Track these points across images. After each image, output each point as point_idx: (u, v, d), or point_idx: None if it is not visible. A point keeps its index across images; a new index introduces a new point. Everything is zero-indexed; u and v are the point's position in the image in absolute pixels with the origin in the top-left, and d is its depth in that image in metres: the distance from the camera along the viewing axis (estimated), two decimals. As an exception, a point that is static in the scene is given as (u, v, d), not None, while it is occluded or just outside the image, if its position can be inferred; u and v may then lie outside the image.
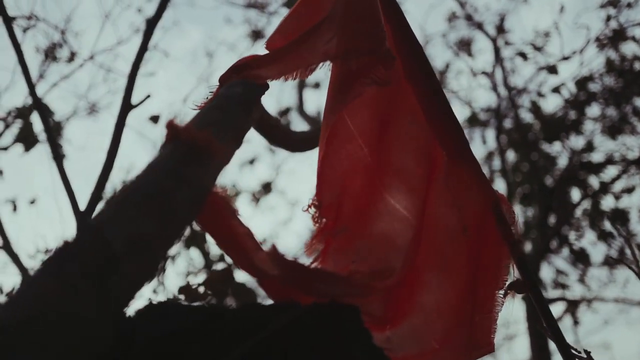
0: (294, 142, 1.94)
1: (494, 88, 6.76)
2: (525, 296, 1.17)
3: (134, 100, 2.29)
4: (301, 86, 6.34)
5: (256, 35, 6.75)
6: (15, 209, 4.77)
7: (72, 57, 4.47)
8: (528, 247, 6.22)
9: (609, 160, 5.72)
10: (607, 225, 5.62)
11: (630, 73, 5.52)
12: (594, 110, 5.95)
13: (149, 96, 2.22)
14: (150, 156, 0.73)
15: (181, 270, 5.87)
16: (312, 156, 1.20)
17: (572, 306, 6.18)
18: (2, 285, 3.44)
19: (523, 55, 6.24)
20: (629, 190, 5.66)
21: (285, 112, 6.34)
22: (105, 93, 5.88)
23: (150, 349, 0.65)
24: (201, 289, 1.75)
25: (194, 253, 5.60)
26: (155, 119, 4.44)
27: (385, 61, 1.03)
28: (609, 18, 5.29)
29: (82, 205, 2.12)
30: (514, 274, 1.16)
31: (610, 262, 5.75)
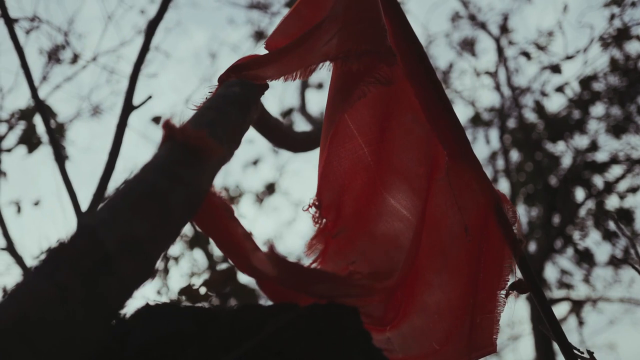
0: (295, 143, 1.93)
1: (498, 88, 6.74)
2: (529, 296, 1.17)
3: (136, 101, 2.30)
4: (304, 86, 6.33)
5: (259, 35, 6.76)
6: (19, 210, 4.78)
7: (75, 58, 4.48)
8: (532, 247, 6.20)
9: (614, 160, 5.69)
10: (612, 225, 5.59)
11: (634, 72, 5.49)
12: (598, 109, 5.93)
13: (150, 97, 2.22)
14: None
15: (185, 271, 5.89)
16: (315, 156, 1.20)
17: (577, 306, 6.17)
18: (6, 286, 3.45)
19: (526, 55, 6.23)
20: (634, 189, 5.64)
21: (288, 112, 6.34)
22: (109, 94, 5.89)
23: (143, 352, 0.64)
24: (202, 290, 1.74)
25: (198, 254, 5.61)
26: (158, 120, 4.45)
27: (387, 59, 1.02)
28: (612, 17, 5.27)
29: (85, 207, 2.12)
30: (515, 274, 1.15)
31: (615, 262, 5.73)
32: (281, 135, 1.63)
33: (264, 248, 0.82)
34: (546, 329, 1.14)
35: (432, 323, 1.09)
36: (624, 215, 5.54)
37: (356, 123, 1.14)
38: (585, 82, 5.74)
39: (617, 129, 5.69)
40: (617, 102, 5.66)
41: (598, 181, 5.79)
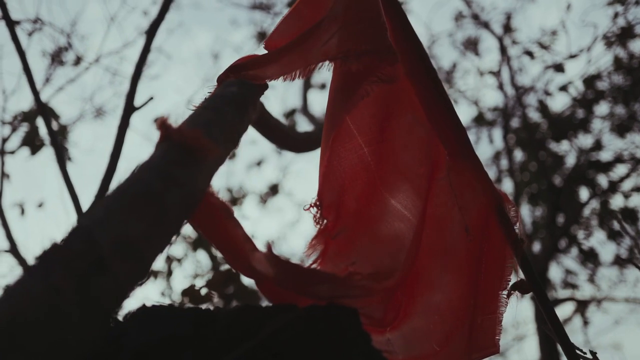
0: (296, 143, 1.93)
1: (501, 87, 6.73)
2: (533, 296, 1.16)
3: (138, 102, 2.29)
4: (306, 87, 6.33)
5: (262, 36, 6.76)
6: (23, 212, 4.79)
7: (78, 60, 4.48)
8: (537, 246, 6.18)
9: (618, 159, 5.67)
10: (617, 225, 5.57)
11: (638, 71, 5.47)
12: (602, 108, 5.91)
13: (152, 98, 2.21)
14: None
15: (189, 272, 5.89)
16: (318, 157, 1.19)
17: (582, 306, 6.14)
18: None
19: (530, 54, 6.21)
20: (638, 189, 5.61)
21: (290, 113, 6.34)
22: (112, 96, 5.90)
23: (139, 354, 0.64)
24: (204, 291, 1.74)
25: (201, 255, 5.61)
26: (160, 121, 4.44)
27: (388, 58, 1.02)
28: (616, 15, 5.24)
29: (87, 209, 2.12)
30: (517, 274, 1.14)
31: (619, 262, 5.71)
32: (282, 136, 1.62)
33: (262, 248, 0.81)
34: (548, 329, 1.13)
35: (433, 324, 1.08)
36: (629, 215, 5.51)
37: (356, 123, 1.13)
38: (589, 81, 5.71)
39: (621, 128, 5.66)
40: (621, 101, 5.64)
41: (602, 180, 5.77)
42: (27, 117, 3.78)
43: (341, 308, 0.81)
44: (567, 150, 6.14)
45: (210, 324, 0.70)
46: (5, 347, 0.46)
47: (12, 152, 3.93)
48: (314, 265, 1.03)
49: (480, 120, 6.89)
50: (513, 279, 1.15)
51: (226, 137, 0.80)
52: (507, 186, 6.68)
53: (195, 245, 5.48)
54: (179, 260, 5.47)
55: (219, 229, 0.78)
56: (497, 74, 6.80)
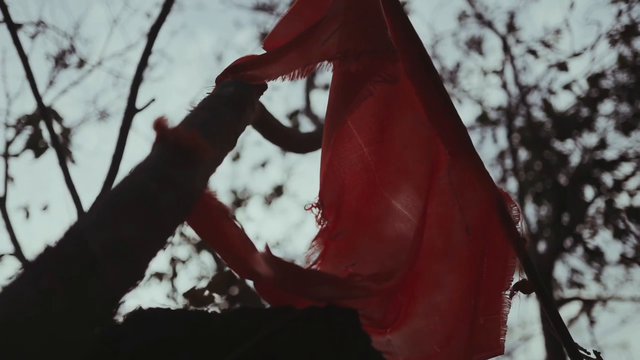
0: (297, 143, 1.92)
1: (505, 86, 6.70)
2: (536, 296, 1.15)
3: (141, 104, 2.29)
4: (309, 87, 6.32)
5: (265, 37, 6.74)
6: (27, 215, 4.80)
7: (81, 63, 4.49)
8: (542, 246, 6.15)
9: (623, 158, 5.64)
10: (622, 223, 5.54)
11: (643, 68, 5.44)
12: (606, 107, 5.88)
13: (153, 100, 2.21)
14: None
15: (193, 274, 5.89)
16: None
17: (588, 306, 6.11)
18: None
19: (534, 53, 6.19)
20: (644, 187, 5.58)
21: (293, 114, 6.33)
22: (116, 98, 5.91)
23: (135, 357, 0.63)
24: (206, 293, 1.73)
25: (205, 257, 5.61)
26: (163, 123, 4.44)
27: (388, 57, 1.01)
28: (620, 13, 5.22)
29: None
30: (520, 273, 1.13)
31: (625, 261, 5.68)
32: (283, 137, 1.62)
33: (260, 249, 0.81)
34: (551, 329, 1.12)
35: (433, 325, 1.07)
36: (634, 214, 5.48)
37: (356, 122, 1.12)
38: (593, 79, 5.68)
39: (626, 127, 5.63)
40: (625, 99, 5.61)
41: (607, 179, 5.74)
42: (31, 120, 3.79)
43: (341, 309, 0.81)
44: (572, 149, 6.12)
45: (206, 327, 0.70)
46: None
47: (16, 155, 3.94)
48: (313, 266, 1.02)
49: (484, 119, 6.87)
50: (516, 279, 1.14)
51: (223, 137, 0.79)
52: (512, 185, 6.67)
53: (200, 247, 5.48)
54: (183, 262, 5.47)
55: (216, 229, 0.77)
56: (500, 73, 6.78)
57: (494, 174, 6.87)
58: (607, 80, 5.70)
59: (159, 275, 5.12)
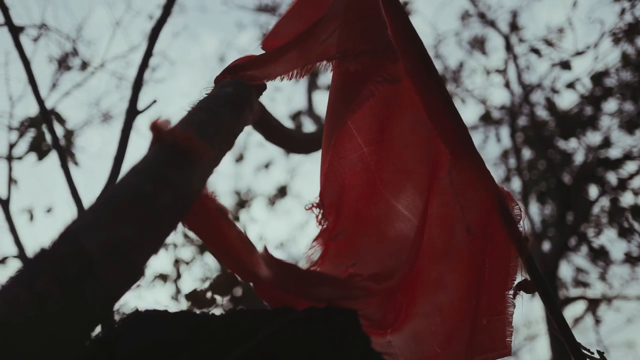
0: (300, 144, 1.92)
1: (508, 85, 6.69)
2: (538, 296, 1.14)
3: (144, 106, 2.29)
4: (311, 88, 6.32)
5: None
6: (31, 218, 4.81)
7: (84, 65, 4.50)
8: (546, 245, 6.13)
9: (627, 156, 5.61)
10: (627, 222, 5.52)
11: (646, 66, 5.42)
12: (610, 105, 5.86)
13: (155, 101, 2.21)
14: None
15: (197, 276, 5.89)
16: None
17: (593, 305, 6.09)
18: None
19: (537, 52, 6.17)
20: (649, 185, 5.56)
21: (296, 115, 6.33)
22: (119, 100, 5.93)
23: (132, 358, 0.63)
24: (209, 295, 1.73)
25: (209, 258, 5.61)
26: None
27: (388, 57, 1.00)
28: (623, 11, 5.20)
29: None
30: (522, 273, 1.12)
31: (631, 260, 5.65)
32: (284, 137, 1.61)
33: (259, 250, 0.80)
34: (554, 329, 1.11)
35: (434, 325, 1.07)
36: (639, 212, 5.45)
37: (356, 122, 1.12)
38: (597, 78, 5.67)
39: (630, 125, 5.61)
40: (629, 97, 5.59)
41: (612, 178, 5.72)
42: (34, 122, 3.79)
43: (341, 310, 0.80)
44: (576, 147, 6.10)
45: (205, 329, 0.69)
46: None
47: (20, 158, 3.95)
48: (313, 267, 1.02)
49: (487, 119, 6.85)
50: (519, 279, 1.13)
51: (221, 138, 0.79)
52: (516, 185, 6.65)
53: (203, 248, 5.48)
54: (187, 263, 5.47)
55: (215, 230, 0.77)
56: (503, 72, 6.77)
57: (498, 173, 6.86)
58: (611, 78, 5.68)
59: (163, 277, 5.12)
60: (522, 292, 1.11)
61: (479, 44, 7.16)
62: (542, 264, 5.62)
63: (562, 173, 6.07)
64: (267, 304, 0.86)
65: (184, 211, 0.68)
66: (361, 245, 1.05)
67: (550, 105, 6.22)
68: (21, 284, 0.51)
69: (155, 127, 0.69)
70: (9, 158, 3.95)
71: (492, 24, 6.85)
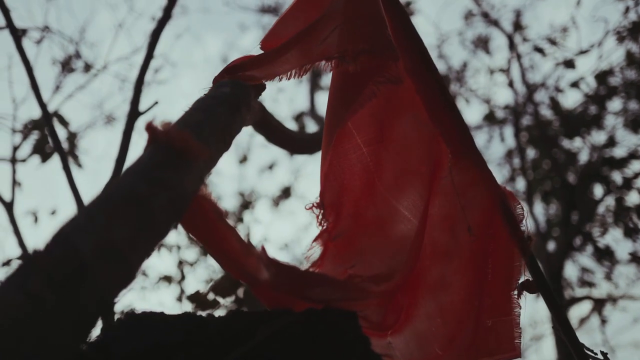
0: (301, 144, 1.91)
1: (512, 85, 6.67)
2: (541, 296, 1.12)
3: (146, 108, 2.29)
4: (313, 89, 6.32)
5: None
6: (36, 220, 4.81)
7: (88, 67, 4.51)
8: (551, 245, 6.11)
9: (632, 155, 5.59)
10: (632, 222, 5.49)
11: (651, 65, 5.39)
12: (615, 104, 5.83)
13: (156, 103, 2.21)
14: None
15: (201, 277, 5.89)
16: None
17: (599, 305, 6.06)
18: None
19: (540, 51, 6.15)
20: (654, 185, 5.53)
21: (299, 116, 6.33)
22: (122, 102, 5.94)
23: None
24: (211, 296, 1.73)
25: (213, 260, 5.61)
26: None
27: (389, 56, 1.00)
28: (627, 10, 5.17)
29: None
30: (525, 273, 1.11)
31: (637, 259, 5.62)
32: (285, 138, 1.61)
33: (256, 251, 0.79)
34: (557, 330, 1.10)
35: (435, 327, 1.05)
36: (645, 211, 5.43)
37: (355, 122, 1.11)
38: (601, 76, 5.64)
39: (635, 124, 5.58)
40: (634, 96, 5.56)
41: (617, 177, 5.69)
42: (37, 125, 3.80)
43: (340, 311, 0.79)
44: (580, 147, 6.07)
45: (201, 331, 0.69)
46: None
47: (24, 160, 3.96)
48: (312, 268, 1.01)
49: (491, 118, 6.83)
50: (522, 279, 1.11)
51: (218, 138, 0.78)
52: (520, 184, 6.62)
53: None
54: (191, 265, 5.47)
55: (211, 232, 0.76)
56: (507, 71, 6.75)
57: (502, 173, 6.84)
58: (615, 77, 5.65)
59: (167, 278, 5.12)
60: (526, 293, 1.10)
61: (482, 44, 7.15)
62: (547, 264, 5.60)
63: (566, 172, 6.04)
64: (266, 304, 0.85)
65: (180, 212, 0.67)
66: (361, 246, 1.04)
67: (555, 105, 6.19)
68: (13, 286, 0.50)
69: (151, 128, 0.68)
70: (13, 160, 3.95)
71: (495, 23, 6.83)
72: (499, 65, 7.08)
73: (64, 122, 3.71)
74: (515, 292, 1.09)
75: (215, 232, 0.77)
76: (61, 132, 3.79)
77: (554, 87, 6.16)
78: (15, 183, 3.95)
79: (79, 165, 3.82)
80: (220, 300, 1.68)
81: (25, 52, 2.25)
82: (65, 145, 3.85)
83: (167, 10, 2.29)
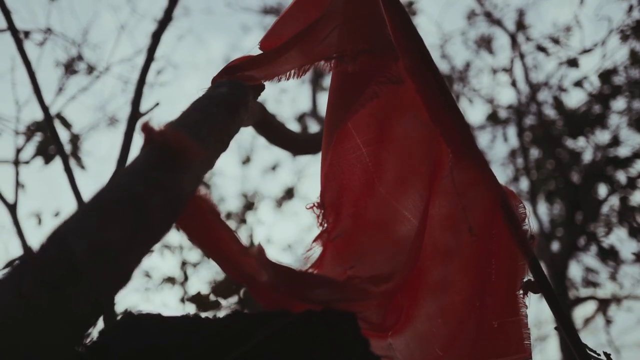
0: (302, 145, 1.90)
1: (515, 85, 6.65)
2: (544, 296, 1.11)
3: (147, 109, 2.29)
4: (315, 89, 6.31)
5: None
6: (40, 222, 4.82)
7: (90, 69, 4.52)
8: (555, 245, 6.09)
9: (636, 154, 5.56)
10: (637, 221, 5.46)
11: (655, 64, 5.37)
12: (619, 103, 5.81)
13: (157, 104, 2.21)
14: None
15: (205, 278, 5.89)
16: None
17: (604, 305, 6.03)
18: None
19: (544, 50, 6.13)
20: (659, 184, 5.51)
21: (301, 117, 6.33)
22: (125, 104, 5.95)
23: (123, 362, 0.62)
24: (212, 298, 1.72)
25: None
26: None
27: (389, 55, 0.99)
28: (631, 8, 5.15)
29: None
30: (527, 273, 1.10)
31: (640, 259, 5.60)
32: (286, 138, 1.60)
33: (254, 252, 0.79)
34: (560, 330, 1.09)
35: (436, 328, 1.05)
36: (649, 211, 5.40)
37: (354, 122, 1.10)
38: (605, 75, 5.62)
39: (639, 123, 5.56)
40: (638, 95, 5.54)
41: (621, 176, 5.67)
42: (40, 126, 3.81)
43: (338, 312, 0.79)
44: (584, 146, 6.05)
45: (199, 332, 0.68)
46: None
47: (27, 162, 3.96)
48: (311, 269, 1.00)
49: (494, 118, 6.82)
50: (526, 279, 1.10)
51: (215, 138, 0.78)
52: (524, 184, 6.61)
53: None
54: (194, 266, 5.47)
55: (208, 233, 0.76)
56: (510, 71, 6.73)
57: (506, 173, 6.82)
58: (619, 76, 5.63)
59: (171, 280, 5.12)
60: (529, 293, 1.09)
61: (485, 43, 7.14)
62: (551, 264, 5.58)
63: (570, 172, 6.02)
64: (264, 306, 0.84)
65: (176, 213, 0.67)
66: (360, 246, 1.04)
67: (558, 104, 6.18)
68: (6, 287, 0.50)
69: (147, 129, 0.68)
70: (16, 162, 3.96)
71: (498, 22, 6.82)
72: (502, 64, 7.06)
73: (66, 124, 3.71)
74: (521, 292, 1.08)
75: (212, 233, 0.76)
76: (64, 134, 3.79)
77: (558, 87, 6.15)
78: (18, 185, 3.95)
79: (82, 167, 3.82)
80: (222, 301, 1.67)
81: (27, 54, 2.25)
82: (68, 147, 3.86)
83: (167, 12, 2.29)
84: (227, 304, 1.82)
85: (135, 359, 0.64)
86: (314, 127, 6.33)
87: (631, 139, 5.71)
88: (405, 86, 1.13)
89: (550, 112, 6.45)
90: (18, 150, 4.02)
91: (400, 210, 1.07)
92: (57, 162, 3.73)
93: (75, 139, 3.88)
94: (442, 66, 7.16)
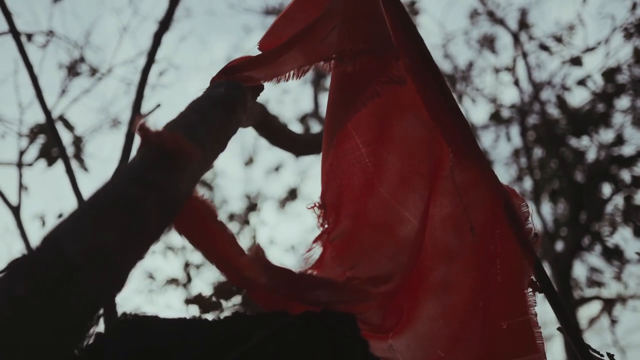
0: (303, 145, 1.90)
1: (518, 84, 6.63)
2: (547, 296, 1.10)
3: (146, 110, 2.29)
4: (317, 89, 6.31)
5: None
6: (44, 224, 4.82)
7: (93, 71, 4.52)
8: (559, 245, 6.07)
9: (641, 153, 5.54)
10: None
11: (659, 62, 5.35)
12: (623, 102, 5.78)
13: (159, 105, 2.21)
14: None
15: (209, 279, 5.89)
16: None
17: (609, 305, 6.01)
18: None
19: (547, 49, 6.11)
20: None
21: (303, 117, 6.32)
22: (127, 106, 5.95)
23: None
24: (213, 299, 1.72)
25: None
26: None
27: (388, 55, 0.98)
28: (634, 6, 5.13)
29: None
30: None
31: (646, 259, 5.57)
32: (287, 139, 1.60)
33: (252, 253, 0.78)
34: (562, 330, 1.08)
35: (437, 329, 1.04)
36: (654, 210, 5.38)
37: (354, 122, 1.10)
38: (609, 74, 5.60)
39: (643, 122, 5.54)
40: (642, 93, 5.52)
41: (625, 176, 5.64)
42: (43, 129, 3.81)
43: (338, 314, 0.78)
44: (588, 145, 6.03)
45: (196, 334, 0.68)
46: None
47: (30, 165, 3.97)
48: (310, 270, 1.00)
49: (497, 118, 6.80)
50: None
51: (212, 139, 0.77)
52: (527, 184, 6.58)
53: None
54: (197, 267, 5.47)
55: (205, 234, 0.75)
56: (513, 70, 6.71)
57: (509, 172, 6.80)
58: (623, 74, 5.61)
59: (175, 281, 5.12)
60: (535, 292, 1.07)
61: (488, 43, 7.12)
62: (555, 264, 5.56)
63: (574, 171, 6.00)
64: (262, 308, 0.84)
65: (172, 215, 0.66)
66: (360, 247, 1.03)
67: (562, 103, 6.16)
68: (0, 291, 0.49)
69: (143, 130, 0.67)
70: (19, 165, 3.97)
71: (501, 22, 6.80)
72: (505, 64, 7.04)
73: (69, 126, 3.72)
74: (530, 290, 1.06)
75: (210, 235, 0.76)
76: (67, 136, 3.79)
77: (561, 86, 6.12)
78: (21, 187, 3.96)
79: (85, 169, 3.82)
80: (223, 302, 1.67)
81: (29, 57, 2.25)
82: (71, 149, 3.86)
83: (168, 14, 2.28)
84: (229, 305, 1.82)
85: (135, 357, 0.64)
86: (316, 128, 6.33)
87: (635, 137, 5.69)
88: (405, 86, 1.12)
89: (553, 111, 6.42)
90: (21, 153, 4.02)
91: (400, 211, 1.07)
92: (60, 164, 3.73)
93: (78, 141, 3.88)
94: (445, 66, 7.15)
